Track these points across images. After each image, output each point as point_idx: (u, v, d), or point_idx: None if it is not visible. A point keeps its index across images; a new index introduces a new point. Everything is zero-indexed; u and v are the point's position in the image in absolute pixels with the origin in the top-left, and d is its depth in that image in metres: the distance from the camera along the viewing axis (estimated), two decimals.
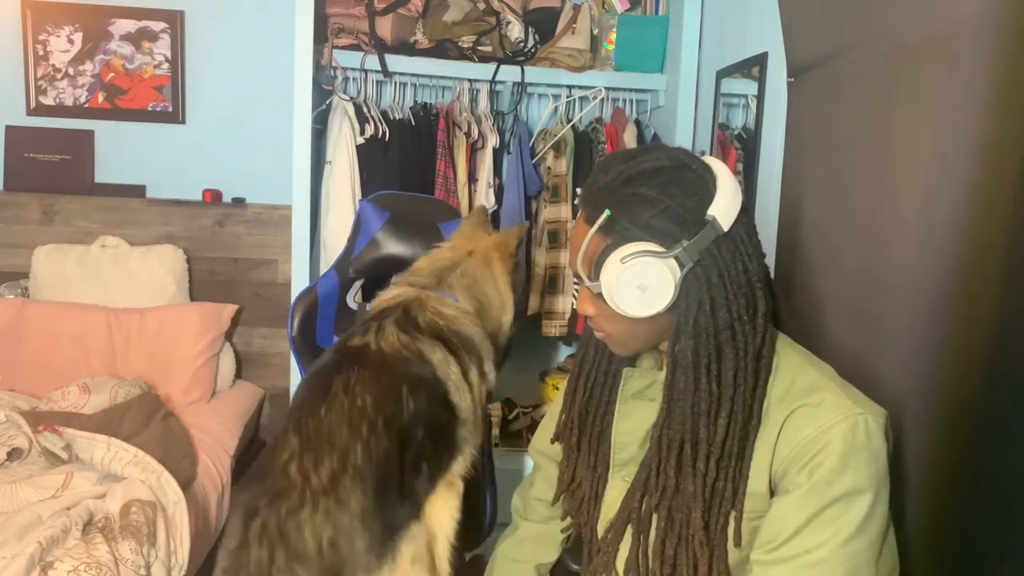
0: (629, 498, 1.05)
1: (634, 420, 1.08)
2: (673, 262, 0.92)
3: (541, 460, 1.36)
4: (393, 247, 1.72)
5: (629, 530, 1.05)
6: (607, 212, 0.93)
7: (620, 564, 1.06)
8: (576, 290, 2.52)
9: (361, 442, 1.22)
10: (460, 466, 1.38)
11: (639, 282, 0.92)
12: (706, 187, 0.94)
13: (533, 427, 2.65)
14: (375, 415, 1.25)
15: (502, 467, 1.88)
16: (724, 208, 0.93)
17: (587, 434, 1.15)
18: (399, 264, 1.64)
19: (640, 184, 0.94)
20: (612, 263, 0.93)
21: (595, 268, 0.95)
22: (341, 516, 1.18)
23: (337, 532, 1.17)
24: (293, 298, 2.45)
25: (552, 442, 1.25)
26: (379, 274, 1.66)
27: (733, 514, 0.96)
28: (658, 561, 1.00)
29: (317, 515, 1.17)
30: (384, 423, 1.25)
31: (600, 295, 0.96)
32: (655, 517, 1.01)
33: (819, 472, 0.90)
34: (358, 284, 1.82)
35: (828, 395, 0.94)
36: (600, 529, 1.12)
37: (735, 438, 0.95)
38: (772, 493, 0.96)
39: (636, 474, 1.05)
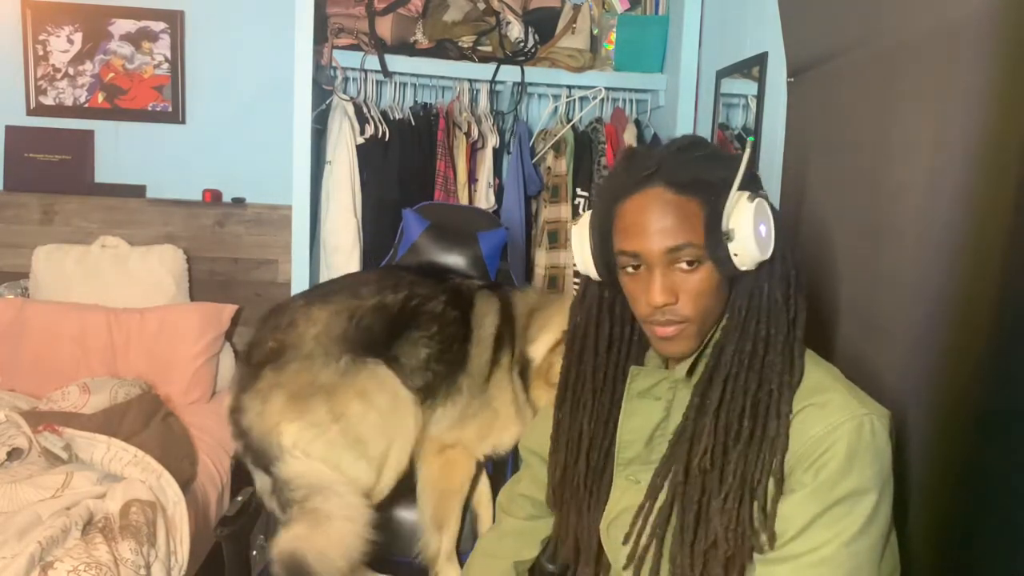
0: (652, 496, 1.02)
1: (639, 419, 1.07)
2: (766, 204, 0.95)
3: (531, 458, 1.36)
4: (432, 253, 1.84)
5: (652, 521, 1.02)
6: (750, 138, 0.98)
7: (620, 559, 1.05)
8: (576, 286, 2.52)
9: (379, 296, 1.58)
10: (449, 419, 1.61)
11: (763, 222, 0.93)
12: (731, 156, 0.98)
13: None
14: (408, 289, 1.61)
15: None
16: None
17: (593, 450, 1.13)
18: (437, 270, 1.80)
19: (699, 149, 0.96)
20: (742, 207, 0.92)
21: (709, 228, 0.93)
22: (331, 321, 1.54)
23: (321, 329, 1.54)
24: None
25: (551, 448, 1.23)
26: None
27: (756, 503, 0.94)
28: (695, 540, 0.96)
29: (311, 310, 1.57)
30: (406, 297, 1.60)
31: (713, 259, 0.94)
32: (685, 506, 0.97)
33: (825, 472, 0.90)
34: None
35: (835, 395, 0.94)
36: (602, 528, 1.12)
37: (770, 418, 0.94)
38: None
39: (658, 476, 1.01)
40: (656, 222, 0.94)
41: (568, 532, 1.18)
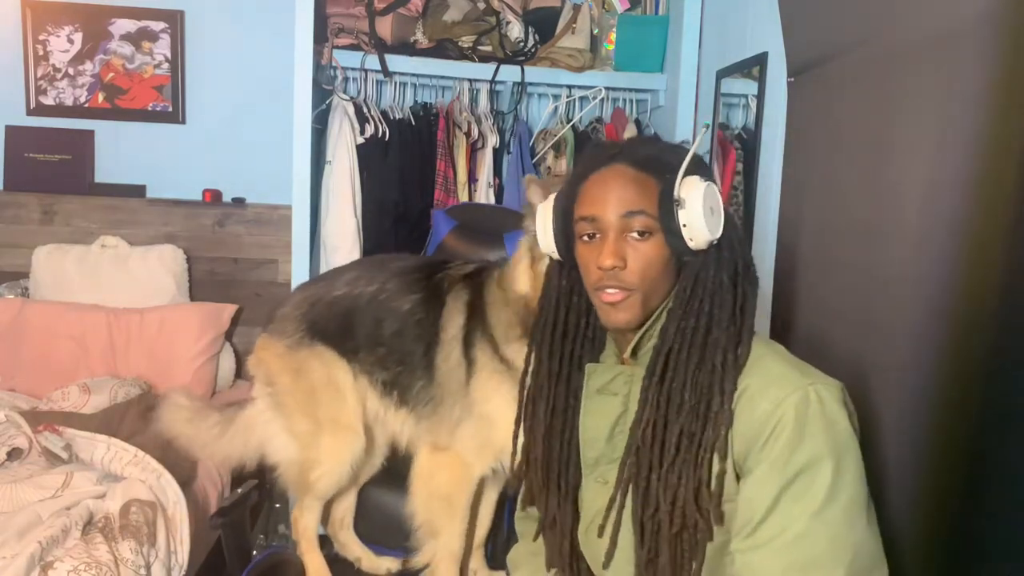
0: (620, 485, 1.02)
1: (598, 416, 1.08)
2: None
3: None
4: (459, 254, 1.89)
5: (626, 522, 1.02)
6: (706, 123, 1.02)
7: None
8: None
9: (348, 288, 1.62)
10: (431, 426, 1.54)
11: (712, 204, 0.97)
12: None
13: None
14: (381, 283, 1.60)
15: None
16: None
17: (553, 438, 1.13)
18: (439, 261, 1.80)
19: (658, 141, 1.06)
20: (693, 184, 0.97)
21: (662, 198, 0.97)
22: (300, 302, 1.69)
23: (288, 308, 1.70)
24: None
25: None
26: None
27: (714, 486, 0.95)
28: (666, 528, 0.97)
29: (299, 290, 1.78)
30: (375, 291, 1.59)
31: (664, 230, 0.98)
32: (657, 487, 0.98)
33: (776, 447, 0.90)
34: None
35: (775, 371, 0.96)
36: (581, 533, 1.11)
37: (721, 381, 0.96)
38: (737, 476, 0.96)
39: (623, 468, 1.02)
40: (615, 191, 1.01)
41: (553, 539, 1.16)
